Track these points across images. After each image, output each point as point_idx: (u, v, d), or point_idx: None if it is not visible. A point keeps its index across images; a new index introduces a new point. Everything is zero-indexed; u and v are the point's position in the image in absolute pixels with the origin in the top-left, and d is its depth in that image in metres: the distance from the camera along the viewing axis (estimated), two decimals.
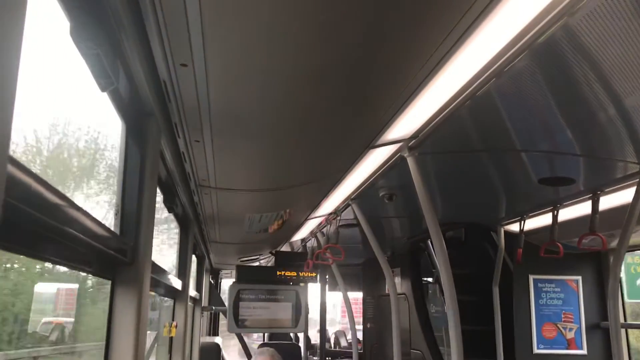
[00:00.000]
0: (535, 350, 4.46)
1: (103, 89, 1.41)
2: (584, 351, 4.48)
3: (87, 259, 1.46)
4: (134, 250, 1.72)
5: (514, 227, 4.31)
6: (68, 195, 1.14)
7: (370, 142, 2.42)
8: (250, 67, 1.55)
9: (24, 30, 0.70)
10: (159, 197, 2.61)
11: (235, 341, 8.65)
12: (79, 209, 1.21)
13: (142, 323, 1.74)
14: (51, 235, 1.11)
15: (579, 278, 4.57)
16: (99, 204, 1.49)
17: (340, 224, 4.19)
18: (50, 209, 1.02)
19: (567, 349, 4.48)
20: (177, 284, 3.38)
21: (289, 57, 1.52)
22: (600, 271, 4.56)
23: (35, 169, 0.89)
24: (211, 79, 1.57)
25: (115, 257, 1.58)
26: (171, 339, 3.63)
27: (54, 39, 1.25)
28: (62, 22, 1.15)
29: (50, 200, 1.01)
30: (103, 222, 1.42)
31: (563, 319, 4.51)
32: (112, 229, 1.63)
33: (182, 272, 3.72)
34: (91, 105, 1.66)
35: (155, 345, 4.09)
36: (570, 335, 4.49)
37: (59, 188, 1.07)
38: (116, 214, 1.71)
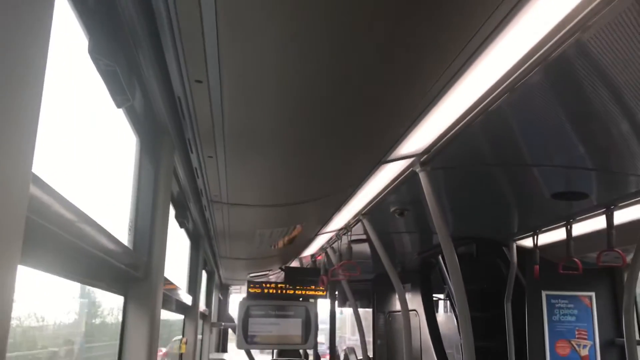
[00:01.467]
0: None
1: (119, 106, 1.42)
2: None
3: (101, 274, 1.46)
4: (147, 266, 1.72)
5: (526, 242, 4.27)
6: (83, 210, 1.14)
7: (382, 157, 2.42)
8: (264, 83, 1.56)
9: (48, 52, 0.70)
10: (171, 212, 2.61)
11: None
12: (94, 224, 1.21)
13: (154, 339, 1.73)
14: (66, 250, 1.12)
15: (593, 294, 4.52)
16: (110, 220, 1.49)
17: (351, 239, 4.18)
18: (67, 224, 1.02)
19: None
20: (187, 299, 3.37)
21: (302, 74, 1.52)
22: (615, 287, 4.51)
23: (51, 183, 0.89)
24: (225, 95, 1.58)
25: (128, 272, 1.58)
26: (181, 355, 3.61)
27: (70, 56, 1.26)
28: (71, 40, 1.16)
29: (67, 216, 1.02)
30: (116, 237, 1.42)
31: (577, 336, 4.45)
32: (126, 244, 1.63)
33: (193, 288, 3.72)
34: (106, 121, 1.67)
35: None
36: (584, 352, 4.43)
37: (74, 202, 1.08)
38: (130, 230, 1.71)
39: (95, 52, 1.16)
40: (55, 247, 1.02)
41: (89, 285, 1.46)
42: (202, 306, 4.54)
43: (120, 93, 1.35)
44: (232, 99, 1.62)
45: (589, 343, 4.44)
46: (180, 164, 2.11)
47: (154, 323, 1.69)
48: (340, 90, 1.66)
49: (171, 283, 2.53)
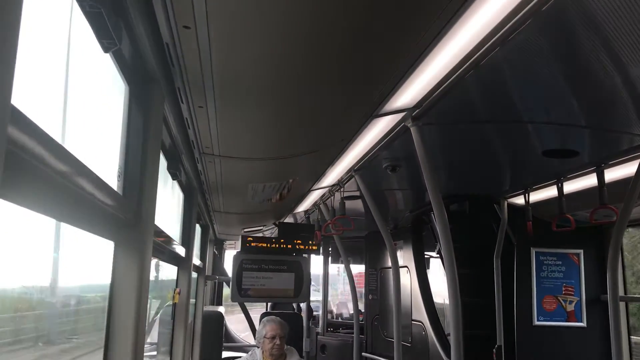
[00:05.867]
0: (535, 322, 4.51)
1: (106, 50, 1.41)
2: (583, 323, 4.52)
3: (90, 217, 1.47)
4: (137, 213, 1.73)
5: (517, 200, 4.31)
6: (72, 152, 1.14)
7: (374, 111, 2.41)
8: (252, 30, 1.54)
9: None
10: (163, 163, 2.62)
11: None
12: (83, 167, 1.22)
13: (144, 286, 1.76)
14: (55, 191, 1.12)
15: (581, 251, 4.59)
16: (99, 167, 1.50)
17: (343, 195, 4.21)
18: (55, 164, 1.03)
19: (566, 321, 4.52)
20: (180, 250, 3.41)
21: (291, 19, 1.51)
22: (603, 244, 4.57)
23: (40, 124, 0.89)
24: (214, 41, 1.57)
25: (117, 217, 1.60)
26: (174, 305, 3.67)
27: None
28: None
29: (55, 156, 1.02)
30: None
31: (564, 292, 4.54)
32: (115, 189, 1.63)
33: (186, 240, 3.76)
34: (96, 67, 1.65)
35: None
36: (570, 307, 4.53)
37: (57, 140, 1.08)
38: (119, 176, 1.72)
39: None
40: (41, 186, 1.03)
41: (80, 228, 1.47)
42: (196, 259, 4.59)
43: (106, 37, 1.34)
44: (220, 47, 1.61)
45: (575, 299, 4.54)
46: (170, 113, 2.10)
47: (144, 268, 1.72)
48: (331, 39, 1.65)
49: (163, 233, 2.56)
